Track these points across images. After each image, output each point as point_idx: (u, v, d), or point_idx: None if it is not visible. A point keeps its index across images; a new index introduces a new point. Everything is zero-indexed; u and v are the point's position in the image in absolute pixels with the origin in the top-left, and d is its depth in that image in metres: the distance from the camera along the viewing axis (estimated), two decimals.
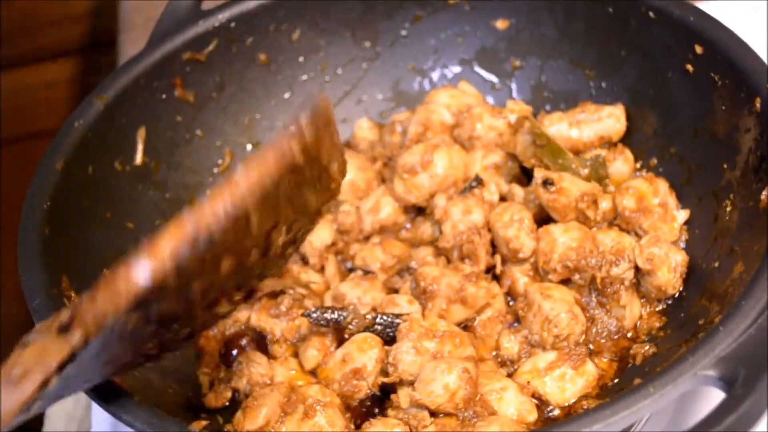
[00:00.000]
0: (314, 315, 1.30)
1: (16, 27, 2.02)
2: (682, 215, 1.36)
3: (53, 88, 2.16)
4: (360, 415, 1.25)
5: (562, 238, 1.32)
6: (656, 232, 1.33)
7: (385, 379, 1.23)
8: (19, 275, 1.23)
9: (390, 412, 1.23)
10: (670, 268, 1.27)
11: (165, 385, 1.27)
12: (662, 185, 1.37)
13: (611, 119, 1.46)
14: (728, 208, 1.28)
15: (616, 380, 1.24)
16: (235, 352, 1.34)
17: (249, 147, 1.59)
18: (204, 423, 1.15)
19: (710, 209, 1.31)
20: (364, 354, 1.25)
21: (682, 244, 1.34)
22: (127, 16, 1.90)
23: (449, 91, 1.58)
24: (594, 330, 1.29)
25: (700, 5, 1.39)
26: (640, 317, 1.30)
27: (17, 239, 1.27)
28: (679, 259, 1.28)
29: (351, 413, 1.25)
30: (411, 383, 1.22)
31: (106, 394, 1.10)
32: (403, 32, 1.61)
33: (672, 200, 1.37)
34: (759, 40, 1.56)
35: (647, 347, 1.24)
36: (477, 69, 1.62)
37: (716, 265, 1.25)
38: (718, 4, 1.65)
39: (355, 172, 1.50)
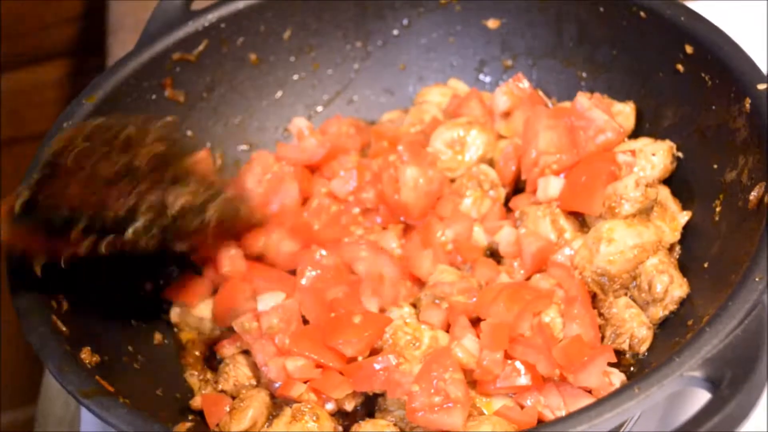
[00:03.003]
0: None
1: (6, 30, 2.01)
2: (684, 217, 1.33)
3: (44, 91, 2.16)
4: (348, 417, 1.25)
5: None
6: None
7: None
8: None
9: (377, 414, 1.23)
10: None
11: (153, 387, 1.27)
12: (663, 191, 1.35)
13: (620, 117, 1.42)
14: (717, 208, 1.27)
15: None
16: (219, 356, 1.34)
17: (240, 147, 1.58)
18: (189, 425, 1.15)
19: (700, 209, 1.30)
20: None
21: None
22: (116, 18, 1.89)
23: (440, 89, 1.57)
24: None
25: (693, 5, 1.38)
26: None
27: None
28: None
29: (338, 415, 1.25)
30: None
31: (91, 396, 1.10)
32: (395, 32, 1.60)
33: (674, 205, 1.35)
34: (760, 41, 1.56)
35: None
36: (468, 68, 1.61)
37: (705, 265, 1.24)
38: (718, 4, 1.65)
39: None
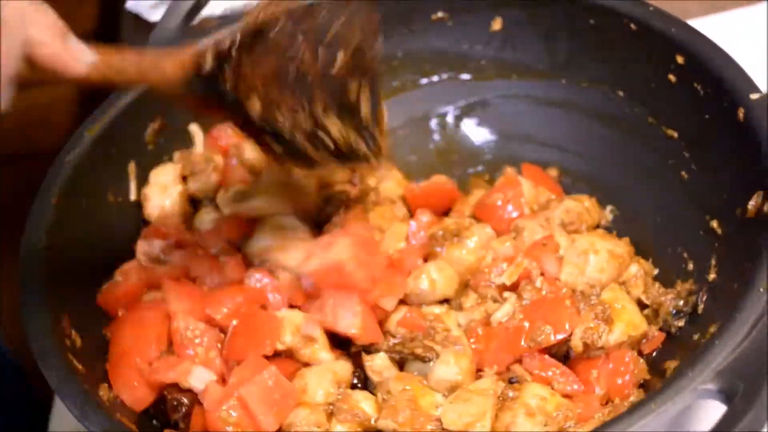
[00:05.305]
0: None
1: None
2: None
3: (53, 109, 2.15)
4: None
5: None
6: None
7: None
8: (17, 299, 1.23)
9: None
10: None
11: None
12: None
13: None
14: (717, 219, 1.29)
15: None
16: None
17: None
18: None
19: (699, 220, 1.31)
20: None
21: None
22: (128, 38, 1.89)
23: None
24: None
25: (693, 23, 1.40)
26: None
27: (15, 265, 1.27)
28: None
29: None
30: None
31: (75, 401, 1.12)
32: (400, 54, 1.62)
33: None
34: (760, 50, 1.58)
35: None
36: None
37: (711, 277, 1.26)
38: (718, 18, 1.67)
39: None
